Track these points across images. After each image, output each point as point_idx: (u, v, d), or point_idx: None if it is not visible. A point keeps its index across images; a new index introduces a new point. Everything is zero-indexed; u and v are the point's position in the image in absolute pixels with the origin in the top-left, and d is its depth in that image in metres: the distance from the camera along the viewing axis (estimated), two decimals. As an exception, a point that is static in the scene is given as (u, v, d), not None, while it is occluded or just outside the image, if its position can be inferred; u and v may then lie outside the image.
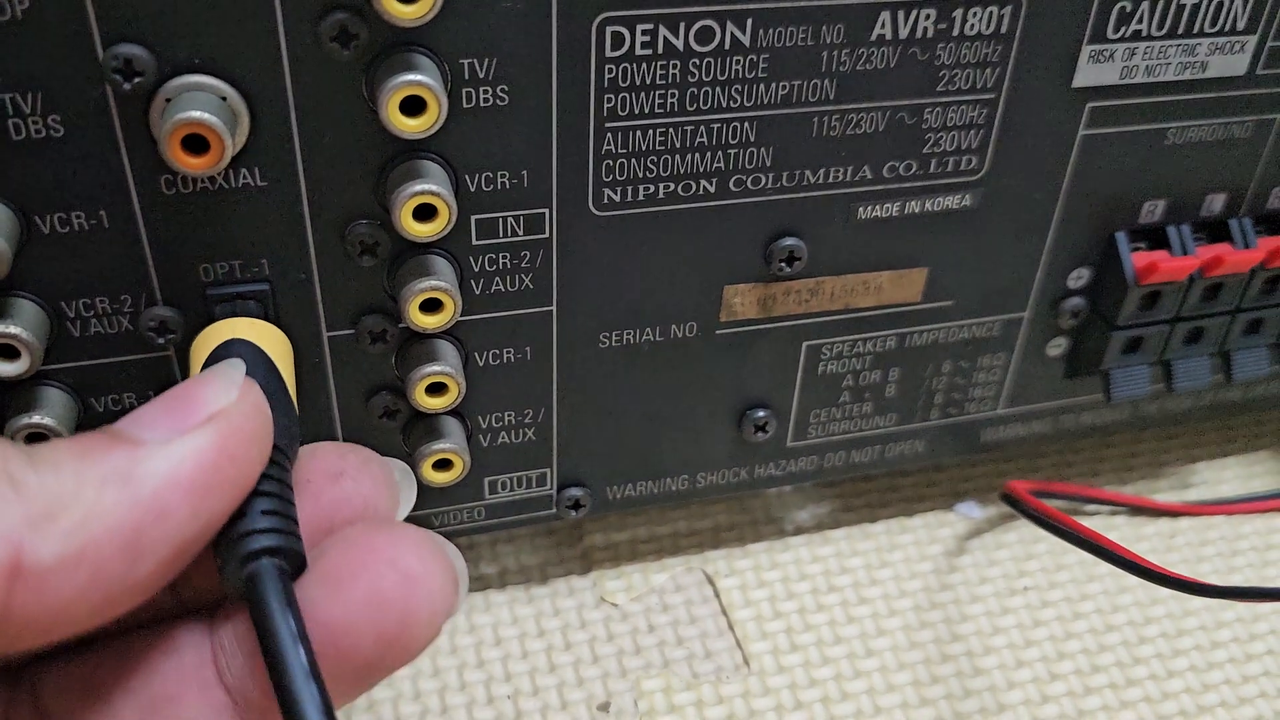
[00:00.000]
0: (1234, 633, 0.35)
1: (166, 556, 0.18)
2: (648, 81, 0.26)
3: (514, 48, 0.24)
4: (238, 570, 0.20)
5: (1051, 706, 0.32)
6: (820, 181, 0.28)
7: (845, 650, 0.33)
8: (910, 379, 0.33)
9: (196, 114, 0.22)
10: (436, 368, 0.27)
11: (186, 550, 0.19)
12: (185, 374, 0.26)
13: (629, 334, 0.30)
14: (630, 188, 0.27)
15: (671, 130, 0.27)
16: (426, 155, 0.25)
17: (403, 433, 0.29)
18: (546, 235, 0.27)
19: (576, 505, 0.32)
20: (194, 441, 0.19)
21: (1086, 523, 0.37)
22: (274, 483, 0.21)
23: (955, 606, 0.35)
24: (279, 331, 0.25)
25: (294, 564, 0.20)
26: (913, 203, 0.30)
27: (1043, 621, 0.35)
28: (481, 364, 0.29)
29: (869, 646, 0.33)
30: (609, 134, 0.26)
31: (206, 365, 0.23)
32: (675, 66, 0.26)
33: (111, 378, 0.26)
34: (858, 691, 0.32)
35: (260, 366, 0.23)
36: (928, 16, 0.27)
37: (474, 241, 0.27)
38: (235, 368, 0.21)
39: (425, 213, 0.25)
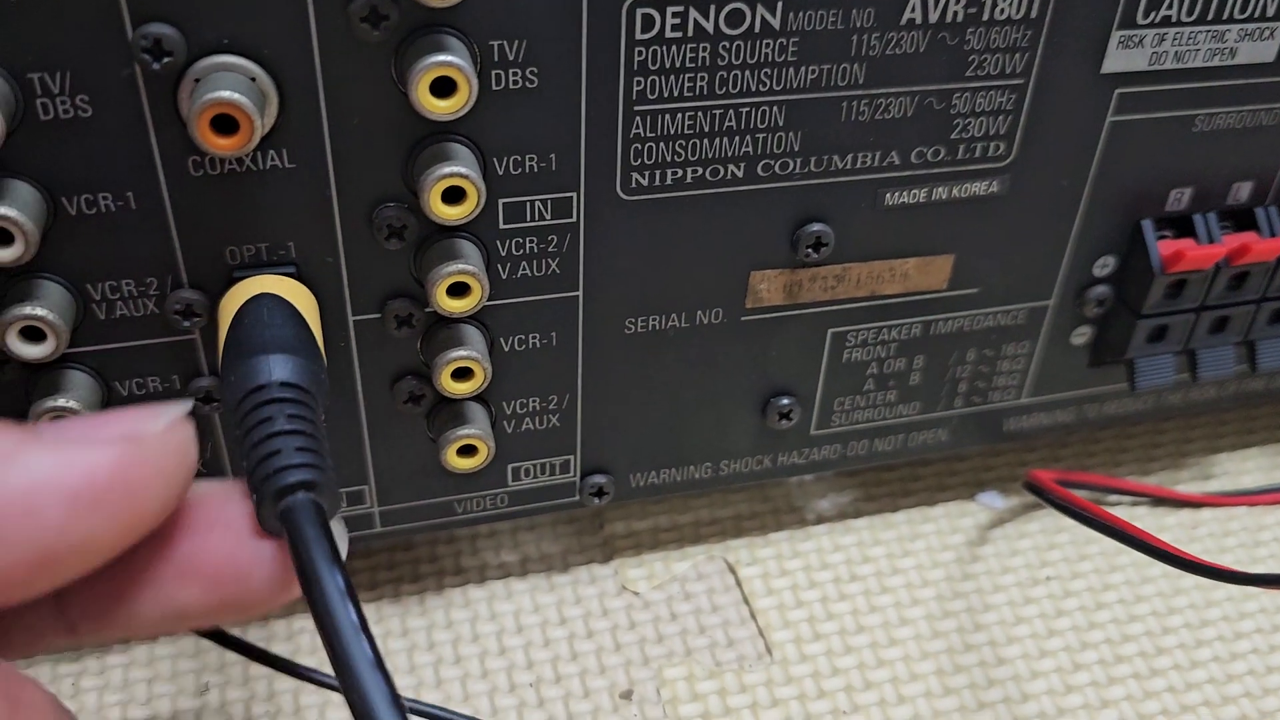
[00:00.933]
0: (1257, 623, 0.34)
1: (28, 558, 0.17)
2: (677, 65, 0.26)
3: (544, 30, 0.24)
4: (273, 505, 0.20)
5: (1075, 696, 0.32)
6: (848, 167, 0.28)
7: (868, 639, 0.33)
8: (935, 367, 0.33)
9: (226, 94, 0.22)
10: (463, 353, 0.27)
11: (59, 563, 0.18)
12: (211, 354, 0.26)
13: (655, 320, 0.29)
14: (658, 172, 0.27)
15: (700, 114, 0.26)
16: (455, 138, 0.25)
17: (427, 418, 0.29)
18: (574, 219, 0.27)
19: (600, 492, 0.32)
20: (89, 454, 0.18)
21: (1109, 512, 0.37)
22: (306, 423, 0.22)
23: (978, 596, 0.35)
24: (304, 287, 0.26)
25: (329, 498, 0.21)
26: (940, 189, 0.29)
27: (1066, 611, 0.34)
28: (507, 349, 0.29)
29: (892, 635, 0.33)
30: (638, 117, 0.26)
31: (235, 321, 0.24)
32: (705, 50, 0.25)
33: (137, 361, 0.26)
34: (881, 680, 0.32)
35: (288, 317, 0.24)
36: (958, 1, 0.27)
37: (501, 225, 0.26)
38: (181, 405, 0.20)
39: (454, 195, 0.25)
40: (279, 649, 0.32)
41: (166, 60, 0.22)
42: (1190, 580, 0.35)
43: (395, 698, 0.19)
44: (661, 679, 0.32)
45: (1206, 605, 0.35)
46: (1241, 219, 0.33)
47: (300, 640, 0.32)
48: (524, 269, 0.27)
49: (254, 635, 0.32)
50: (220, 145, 0.23)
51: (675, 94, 0.26)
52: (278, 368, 0.23)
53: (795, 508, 0.37)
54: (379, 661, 0.19)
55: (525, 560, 0.35)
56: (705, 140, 0.27)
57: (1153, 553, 0.29)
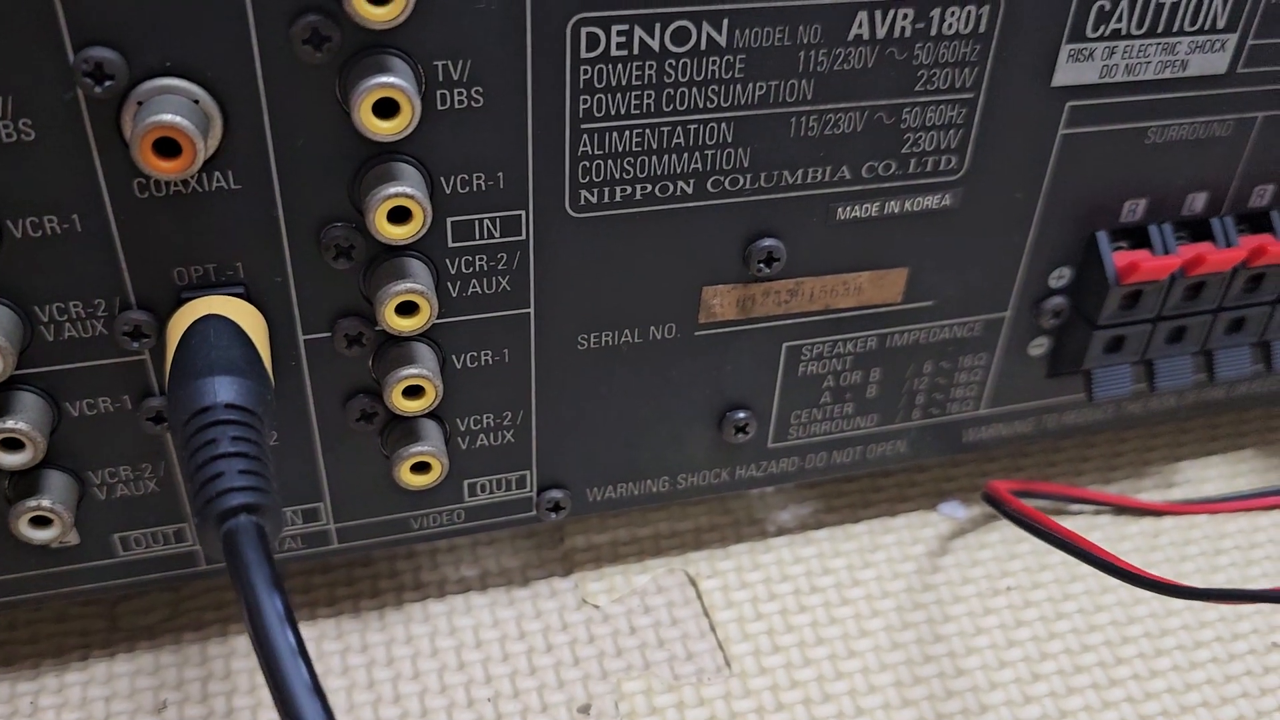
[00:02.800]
0: (1217, 632, 0.35)
1: None
2: (624, 83, 0.26)
3: (488, 49, 0.24)
4: (215, 528, 0.20)
5: (1034, 707, 0.32)
6: (799, 182, 0.28)
7: (827, 651, 0.33)
8: (891, 379, 0.33)
9: (168, 117, 0.22)
10: (413, 371, 0.27)
11: None
12: (162, 375, 0.26)
13: (608, 336, 0.29)
14: (607, 189, 0.27)
15: (648, 131, 0.26)
16: (401, 158, 0.25)
17: (380, 436, 0.29)
18: (523, 237, 0.27)
19: (557, 507, 0.32)
20: None
21: (1070, 522, 0.38)
22: (251, 445, 0.22)
23: (938, 607, 0.35)
24: (253, 308, 0.26)
25: (272, 521, 0.21)
26: (892, 203, 0.30)
27: (1025, 621, 0.34)
28: (459, 367, 0.29)
29: (851, 647, 0.33)
30: (585, 135, 0.26)
31: (182, 343, 0.24)
32: (651, 67, 0.26)
33: (87, 382, 0.26)
34: (839, 693, 0.32)
35: (235, 338, 0.24)
36: (905, 16, 0.27)
37: (450, 244, 0.27)
38: None
39: (400, 215, 0.25)
40: (238, 665, 0.32)
41: (108, 84, 0.22)
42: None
43: None
44: (620, 693, 0.32)
45: (1166, 614, 0.35)
46: (1197, 229, 0.33)
47: (259, 657, 0.32)
48: (474, 287, 0.27)
49: (213, 650, 0.32)
50: (163, 168, 0.23)
51: (622, 112, 0.26)
52: (223, 389, 0.23)
53: (756, 519, 0.37)
54: (316, 686, 0.19)
55: (485, 575, 0.35)
56: (654, 157, 0.27)
57: (1103, 566, 0.29)
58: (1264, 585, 0.36)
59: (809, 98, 0.27)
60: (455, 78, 0.24)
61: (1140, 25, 0.29)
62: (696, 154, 0.27)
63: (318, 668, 0.32)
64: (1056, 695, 0.33)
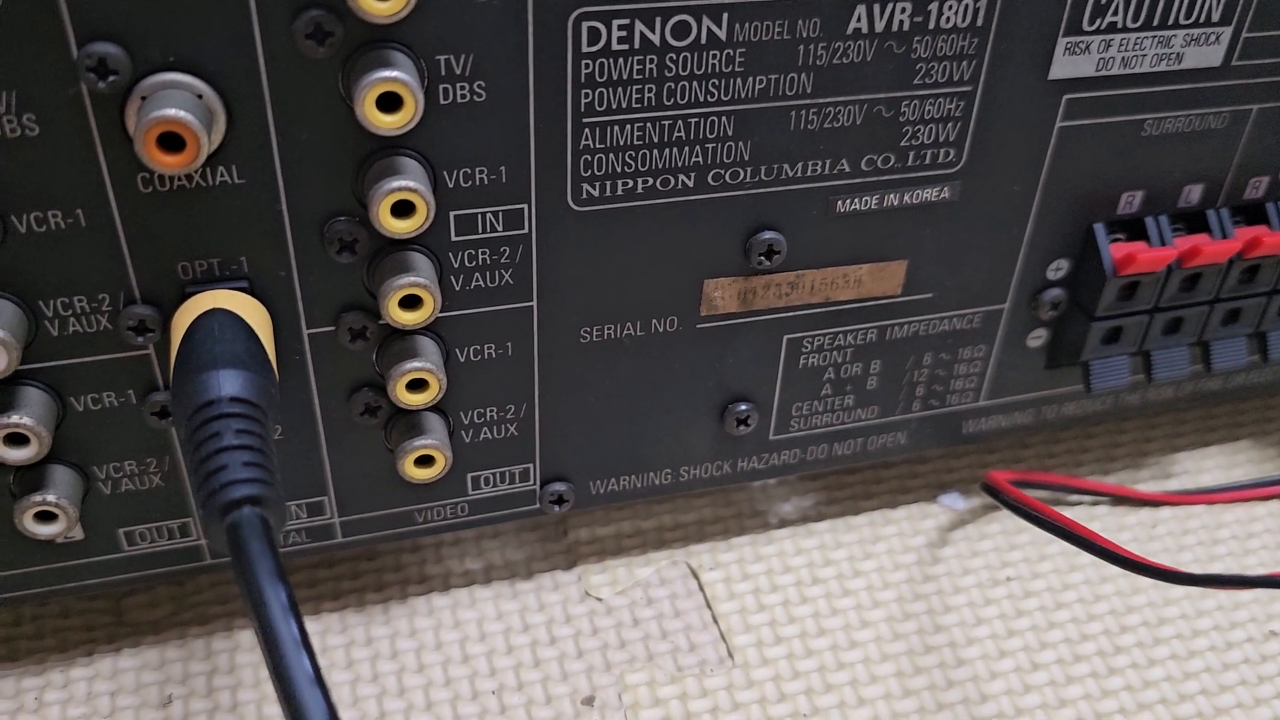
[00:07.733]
0: (1214, 621, 0.35)
1: None
2: (625, 77, 0.26)
3: (490, 44, 0.24)
4: (219, 520, 0.21)
5: (1034, 695, 0.32)
6: (799, 175, 0.29)
7: (829, 642, 0.33)
8: (891, 371, 0.33)
9: (171, 112, 0.22)
10: (417, 364, 0.27)
11: None
12: (166, 369, 0.26)
13: (610, 329, 0.30)
14: (609, 183, 0.27)
15: (649, 125, 0.27)
16: (404, 152, 0.25)
17: (384, 429, 0.29)
18: (526, 231, 0.27)
19: (560, 500, 0.32)
20: None
21: (1068, 513, 0.38)
22: (255, 438, 0.22)
23: (938, 597, 0.35)
24: (257, 302, 0.26)
25: (275, 513, 0.21)
26: (891, 195, 0.30)
27: (1025, 611, 0.35)
28: (463, 360, 0.29)
29: (852, 638, 0.34)
30: (586, 129, 0.26)
31: (186, 337, 0.24)
32: (652, 61, 0.26)
33: (91, 377, 0.26)
34: (841, 683, 0.32)
35: (239, 332, 0.24)
36: (903, 10, 0.27)
37: (453, 237, 0.27)
38: None
39: (403, 209, 0.25)
40: (243, 659, 0.32)
41: (112, 79, 0.22)
42: (1148, 579, 0.35)
43: (333, 714, 0.19)
44: (623, 685, 0.32)
45: (1165, 604, 0.35)
46: (1193, 221, 0.33)
47: (264, 651, 0.32)
48: (477, 280, 0.28)
49: (218, 645, 0.32)
50: (167, 163, 0.23)
51: (624, 106, 0.26)
52: (227, 383, 0.23)
53: (758, 511, 0.37)
54: (319, 677, 0.19)
55: (489, 568, 0.35)
56: (655, 151, 0.27)
57: (1104, 554, 0.30)
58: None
59: (808, 91, 0.27)
60: (457, 72, 0.24)
61: (1136, 19, 0.29)
62: (697, 147, 0.27)
63: (322, 661, 0.32)
64: (1056, 684, 0.33)
